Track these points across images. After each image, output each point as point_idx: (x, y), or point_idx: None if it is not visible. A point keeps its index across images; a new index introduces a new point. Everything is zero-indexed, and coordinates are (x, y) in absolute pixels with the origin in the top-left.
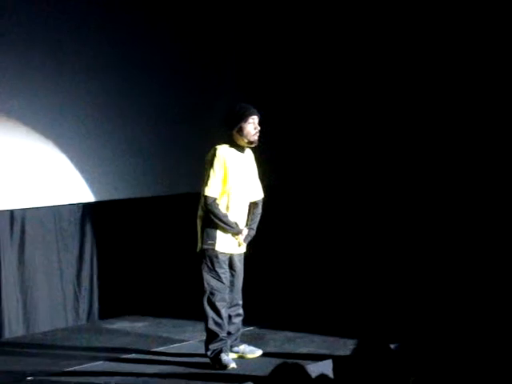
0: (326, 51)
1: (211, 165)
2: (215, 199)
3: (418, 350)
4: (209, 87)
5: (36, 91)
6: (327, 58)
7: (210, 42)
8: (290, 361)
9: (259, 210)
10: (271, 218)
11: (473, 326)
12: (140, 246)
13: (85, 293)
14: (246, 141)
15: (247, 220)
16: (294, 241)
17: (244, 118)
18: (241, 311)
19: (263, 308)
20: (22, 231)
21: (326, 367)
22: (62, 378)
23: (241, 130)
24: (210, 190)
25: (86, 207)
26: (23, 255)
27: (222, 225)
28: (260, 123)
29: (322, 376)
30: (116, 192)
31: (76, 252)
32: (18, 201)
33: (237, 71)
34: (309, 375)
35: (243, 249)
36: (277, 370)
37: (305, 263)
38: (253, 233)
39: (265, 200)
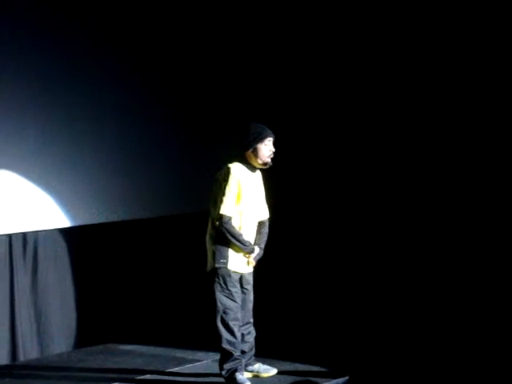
0: (325, 62)
1: (226, 183)
2: (231, 218)
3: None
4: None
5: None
6: (325, 69)
7: (219, 57)
8: (304, 378)
9: (266, 229)
10: (277, 237)
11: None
12: (147, 267)
13: (98, 315)
14: (261, 162)
15: (255, 239)
16: (297, 261)
17: (261, 139)
18: (252, 329)
19: (275, 328)
20: (35, 253)
21: None
22: None
23: (255, 151)
24: (226, 209)
25: (94, 229)
26: (36, 277)
27: (237, 244)
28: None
29: None
30: (115, 214)
31: (87, 274)
32: (31, 223)
33: (243, 88)
34: None
35: (252, 268)
36: None
37: (312, 282)
38: (261, 252)
39: (270, 220)
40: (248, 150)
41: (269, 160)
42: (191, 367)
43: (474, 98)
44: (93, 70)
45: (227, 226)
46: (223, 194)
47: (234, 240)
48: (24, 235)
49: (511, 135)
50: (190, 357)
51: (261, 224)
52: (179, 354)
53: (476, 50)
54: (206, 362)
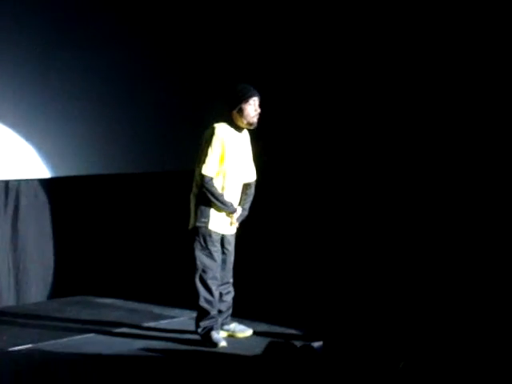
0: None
1: (209, 143)
2: (212, 178)
3: (406, 335)
4: (199, 66)
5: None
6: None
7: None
8: (279, 340)
9: (252, 191)
10: (263, 200)
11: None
12: (130, 223)
13: (77, 267)
14: (246, 122)
15: (240, 200)
16: (283, 226)
17: (245, 99)
18: (231, 289)
19: (254, 290)
20: (17, 202)
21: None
22: (51, 349)
23: (241, 111)
24: (207, 169)
25: (79, 180)
26: (16, 226)
27: (218, 203)
28: (260, 105)
29: (306, 346)
30: (106, 167)
31: (68, 226)
32: (14, 172)
33: (232, 50)
34: (300, 352)
35: (234, 229)
36: (268, 347)
37: (294, 246)
38: (245, 213)
39: (257, 181)
40: (233, 109)
41: (254, 120)
42: (167, 323)
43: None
44: (79, 25)
45: (208, 186)
46: (206, 154)
47: (214, 200)
48: (6, 183)
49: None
50: (167, 313)
51: (246, 185)
52: (156, 309)
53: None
54: (183, 318)
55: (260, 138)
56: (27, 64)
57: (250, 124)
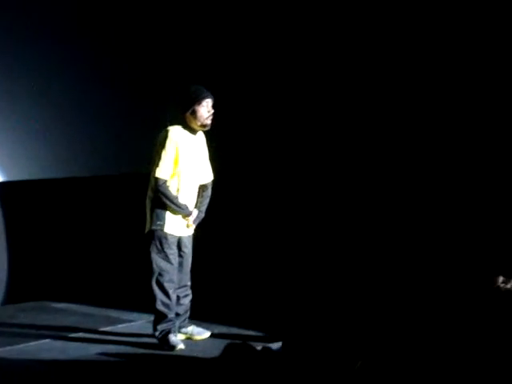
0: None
1: (163, 146)
2: (166, 181)
3: (364, 334)
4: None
5: None
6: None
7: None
8: (238, 342)
9: (209, 192)
10: (221, 201)
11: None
12: (85, 227)
13: (30, 272)
14: (199, 124)
15: (197, 202)
16: (240, 227)
17: (198, 100)
18: (189, 292)
19: (211, 292)
20: None
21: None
22: (6, 355)
23: (194, 113)
24: (160, 172)
25: (31, 184)
26: None
27: (172, 206)
28: (214, 106)
29: (267, 349)
30: (60, 171)
31: (21, 231)
32: None
33: (185, 50)
34: (258, 353)
35: (191, 231)
36: (227, 349)
37: (251, 248)
38: (202, 215)
39: (214, 183)
40: (186, 111)
41: (208, 122)
42: (125, 327)
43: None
44: (27, 20)
45: (161, 189)
46: (159, 158)
47: (168, 202)
48: None
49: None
50: (124, 317)
51: (203, 187)
52: (113, 313)
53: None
54: (140, 322)
55: (216, 138)
56: None
57: (203, 126)
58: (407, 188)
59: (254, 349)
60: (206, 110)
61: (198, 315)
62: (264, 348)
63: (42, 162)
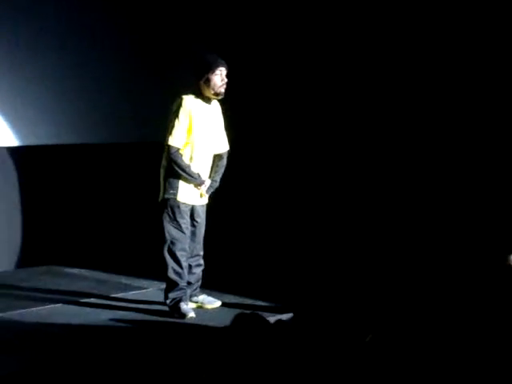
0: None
1: (176, 114)
2: (178, 149)
3: (374, 308)
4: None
5: None
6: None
7: None
8: (248, 311)
9: (224, 162)
10: (235, 171)
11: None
12: (99, 193)
13: (44, 236)
14: (213, 92)
15: (211, 172)
16: (253, 197)
17: (211, 69)
18: (201, 262)
19: (223, 261)
20: None
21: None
22: (18, 319)
23: (208, 81)
24: (173, 140)
25: (47, 149)
26: None
27: (184, 175)
28: (228, 75)
29: (279, 321)
30: (78, 136)
31: (35, 195)
32: None
33: (204, 20)
34: (268, 323)
35: (205, 200)
36: (237, 319)
37: (265, 218)
38: (216, 184)
39: (230, 152)
40: (200, 80)
41: (222, 90)
42: (136, 294)
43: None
44: None
45: (173, 157)
46: (172, 126)
47: (180, 171)
48: None
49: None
50: (136, 284)
51: (218, 157)
52: (125, 280)
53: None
54: (152, 289)
55: (232, 108)
56: None
57: (217, 94)
58: (420, 172)
59: (264, 319)
60: (219, 78)
61: (209, 284)
62: (276, 320)
63: (58, 127)
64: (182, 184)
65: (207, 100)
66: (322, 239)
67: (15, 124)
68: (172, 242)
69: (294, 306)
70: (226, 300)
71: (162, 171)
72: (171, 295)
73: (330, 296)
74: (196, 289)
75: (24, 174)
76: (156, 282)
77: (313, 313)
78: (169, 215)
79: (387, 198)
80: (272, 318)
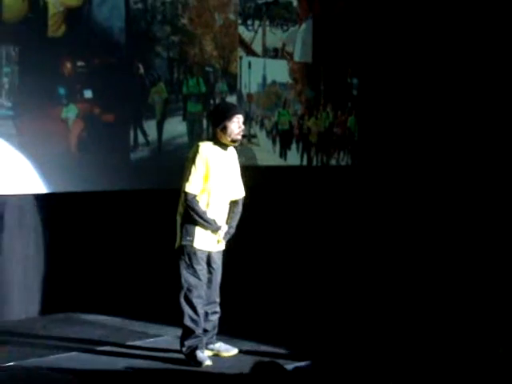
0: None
1: (193, 161)
2: (195, 196)
3: (396, 355)
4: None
5: None
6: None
7: None
8: (266, 359)
9: (239, 208)
10: (252, 217)
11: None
12: (116, 240)
13: (60, 283)
14: (230, 139)
15: (227, 218)
16: (272, 241)
17: (228, 116)
18: (218, 309)
19: (240, 308)
20: (1, 216)
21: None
22: (35, 367)
23: (225, 129)
24: (190, 187)
25: (67, 197)
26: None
27: (201, 221)
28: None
29: (298, 369)
30: (100, 184)
31: (53, 241)
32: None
33: None
34: (287, 371)
35: (222, 246)
36: (255, 367)
37: (281, 263)
38: (232, 231)
39: (246, 199)
40: (217, 127)
41: (238, 137)
42: (152, 342)
43: None
44: None
45: (190, 204)
46: (189, 173)
47: (197, 218)
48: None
49: None
50: (152, 331)
51: (234, 203)
52: (141, 327)
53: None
54: (168, 337)
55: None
56: None
57: (233, 141)
58: None
59: (282, 367)
60: (236, 125)
61: (225, 331)
62: (294, 368)
63: (72, 175)
64: (198, 230)
65: (224, 147)
66: (341, 286)
67: (34, 172)
68: (188, 289)
69: (312, 353)
70: (243, 347)
71: (178, 218)
72: (187, 343)
73: (348, 343)
74: (212, 336)
75: (42, 221)
76: (172, 329)
77: (331, 360)
78: (185, 262)
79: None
80: (290, 366)
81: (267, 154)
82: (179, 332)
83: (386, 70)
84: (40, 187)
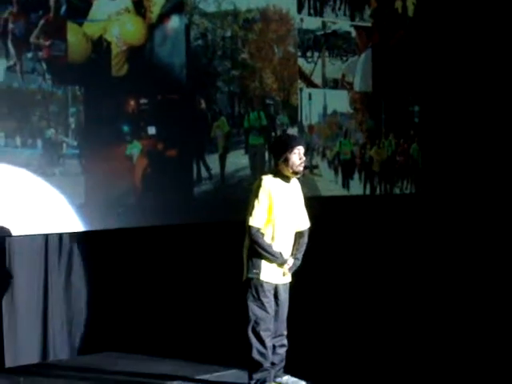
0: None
1: (256, 195)
2: (259, 229)
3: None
4: None
5: None
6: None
7: None
8: None
9: (305, 239)
10: (316, 248)
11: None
12: (186, 274)
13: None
14: (291, 171)
15: (293, 250)
16: (338, 271)
17: (289, 148)
18: (285, 342)
19: (307, 341)
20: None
21: None
22: None
23: (286, 161)
24: (254, 221)
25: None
26: (70, 278)
27: (266, 254)
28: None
29: None
30: (164, 219)
31: (114, 279)
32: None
33: None
34: None
35: (288, 279)
36: None
37: (347, 293)
38: (298, 263)
39: (310, 230)
40: (279, 159)
41: (300, 169)
42: (220, 375)
43: None
44: None
45: (255, 237)
46: (253, 206)
47: (262, 251)
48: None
49: None
50: (220, 365)
51: (299, 234)
52: (209, 361)
53: None
54: (236, 371)
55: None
56: None
57: (295, 173)
58: None
59: None
60: (297, 157)
61: (293, 364)
62: None
63: (137, 210)
64: (264, 263)
65: (286, 179)
66: (415, 318)
67: (99, 209)
68: (256, 322)
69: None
70: (311, 380)
71: (244, 251)
72: (255, 376)
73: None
74: (280, 369)
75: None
76: (240, 363)
77: None
78: (252, 295)
79: None
80: None
81: (330, 185)
82: (247, 366)
83: (448, 96)
84: (106, 223)
